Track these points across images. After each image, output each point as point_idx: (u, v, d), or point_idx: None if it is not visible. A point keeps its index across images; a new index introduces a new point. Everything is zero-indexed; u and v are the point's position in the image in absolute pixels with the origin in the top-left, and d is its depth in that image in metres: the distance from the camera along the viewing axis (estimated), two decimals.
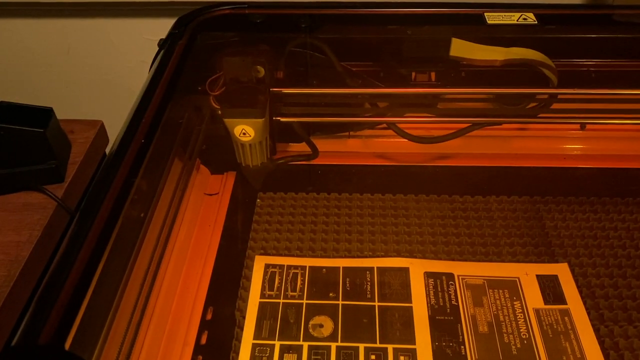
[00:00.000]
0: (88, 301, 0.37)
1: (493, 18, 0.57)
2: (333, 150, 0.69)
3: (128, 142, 0.44)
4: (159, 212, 0.49)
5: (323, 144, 0.70)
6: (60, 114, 0.69)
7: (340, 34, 0.59)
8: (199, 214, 0.62)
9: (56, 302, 0.32)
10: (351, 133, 0.69)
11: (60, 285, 0.34)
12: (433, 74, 0.64)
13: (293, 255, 0.57)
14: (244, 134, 0.56)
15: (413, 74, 0.65)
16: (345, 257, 0.57)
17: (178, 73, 0.50)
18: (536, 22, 0.56)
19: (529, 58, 0.60)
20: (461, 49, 0.60)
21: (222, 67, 0.56)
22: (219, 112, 0.56)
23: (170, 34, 0.55)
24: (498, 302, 0.52)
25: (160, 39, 0.55)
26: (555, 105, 0.61)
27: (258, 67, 0.56)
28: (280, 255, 0.57)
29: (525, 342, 0.49)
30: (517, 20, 0.56)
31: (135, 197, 0.46)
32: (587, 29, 0.59)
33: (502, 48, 0.60)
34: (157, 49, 0.56)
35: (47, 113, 0.65)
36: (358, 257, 0.57)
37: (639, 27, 0.60)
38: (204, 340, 0.51)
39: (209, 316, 0.53)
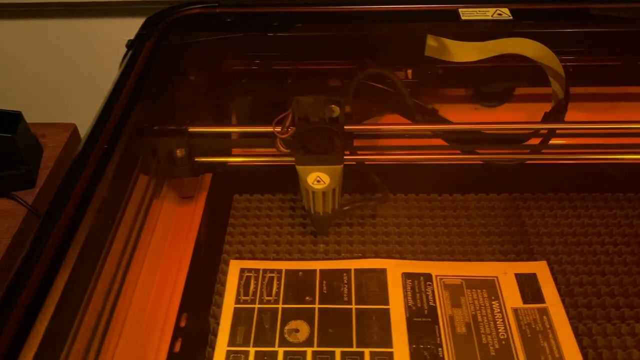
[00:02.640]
0: (51, 312, 0.36)
1: (467, 14, 0.56)
2: None
3: (92, 146, 0.43)
4: (127, 216, 0.48)
5: None
6: (32, 118, 0.67)
7: (313, 32, 0.58)
8: (173, 217, 0.61)
9: (10, 317, 0.31)
10: None
11: (15, 299, 0.32)
12: (410, 72, 0.64)
13: (269, 259, 0.56)
14: (318, 181, 0.51)
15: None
16: (323, 259, 0.56)
17: (145, 75, 0.48)
18: (511, 18, 0.55)
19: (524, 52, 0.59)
20: (456, 48, 0.59)
21: (290, 105, 0.51)
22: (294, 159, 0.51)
23: (139, 35, 0.53)
24: (476, 302, 0.51)
25: (129, 40, 0.54)
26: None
27: (333, 106, 0.50)
28: (256, 259, 0.56)
29: (503, 342, 0.48)
30: (491, 16, 0.56)
31: (103, 202, 0.45)
32: (563, 23, 0.58)
33: (492, 42, 0.59)
34: None
35: (15, 117, 0.64)
36: (335, 258, 0.56)
37: (616, 21, 0.59)
38: (177, 348, 0.50)
39: (183, 323, 0.52)
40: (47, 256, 0.37)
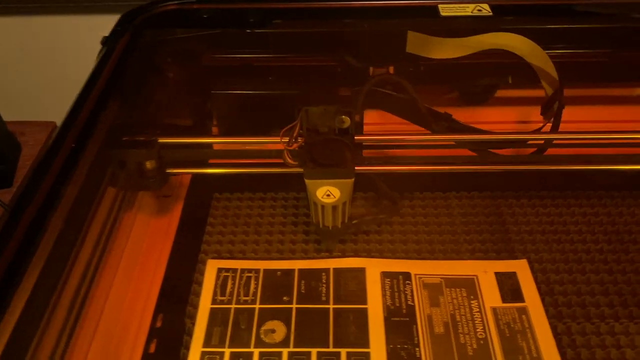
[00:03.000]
0: (19, 313, 0.36)
1: (447, 10, 0.56)
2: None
3: (61, 141, 0.42)
4: (99, 216, 0.47)
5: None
6: (11, 116, 0.66)
7: (292, 28, 0.58)
8: (152, 216, 0.60)
9: None
10: None
11: None
12: (391, 69, 0.63)
13: (248, 258, 0.55)
14: (328, 195, 0.49)
15: (371, 69, 0.63)
16: (302, 258, 0.55)
17: (118, 73, 0.48)
18: (491, 14, 0.55)
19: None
20: (437, 45, 0.58)
21: (297, 116, 0.49)
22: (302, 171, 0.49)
23: (113, 32, 0.52)
24: (455, 301, 0.51)
25: (104, 37, 0.53)
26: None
27: (343, 116, 0.49)
28: (235, 258, 0.55)
29: (481, 342, 0.48)
30: (471, 12, 0.55)
31: (75, 201, 0.44)
32: (544, 19, 0.58)
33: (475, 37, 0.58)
34: None
35: None
36: (314, 258, 0.55)
37: (598, 17, 0.59)
38: (152, 349, 0.49)
39: (159, 323, 0.51)
40: (12, 252, 0.36)
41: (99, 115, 0.44)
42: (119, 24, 0.53)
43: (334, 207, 0.51)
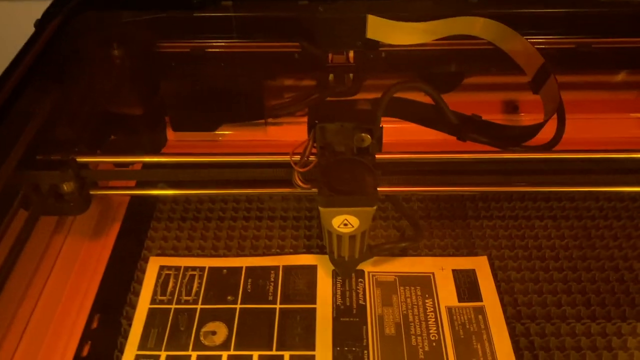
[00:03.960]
0: None
1: None
2: (249, 140, 0.65)
3: None
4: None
5: (239, 134, 0.66)
6: None
7: (248, 11, 0.54)
8: (95, 212, 0.57)
9: None
10: (268, 120, 0.64)
11: None
12: (351, 54, 0.60)
13: (193, 256, 0.52)
14: (346, 225, 0.42)
15: (330, 55, 0.60)
16: (251, 255, 0.52)
17: (44, 55, 0.44)
18: None
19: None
20: (399, 30, 0.54)
21: (309, 131, 0.43)
22: (316, 198, 0.41)
23: (46, 13, 0.49)
24: (409, 300, 0.48)
25: (37, 20, 0.49)
26: None
27: (363, 134, 0.42)
28: (179, 256, 0.52)
29: (434, 344, 0.45)
30: None
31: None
32: (521, 3, 0.55)
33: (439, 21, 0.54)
34: None
35: None
36: (264, 254, 0.52)
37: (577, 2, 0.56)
38: (85, 352, 0.46)
39: (94, 325, 0.48)
40: None
41: (17, 98, 0.40)
42: (52, 5, 0.49)
43: (352, 237, 0.44)
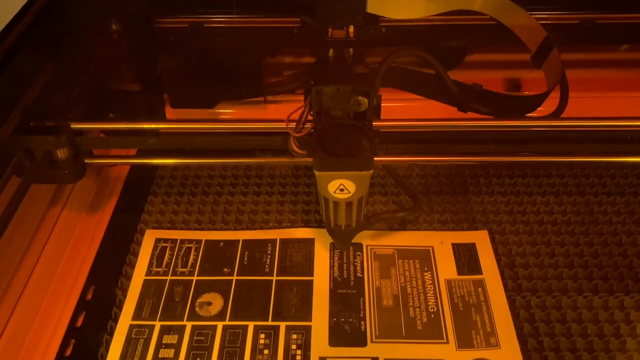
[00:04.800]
0: None
1: None
2: (248, 118, 0.64)
3: None
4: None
5: (237, 112, 0.65)
6: None
7: None
8: (93, 185, 0.56)
9: None
10: (267, 98, 0.64)
11: None
12: (351, 30, 0.59)
13: (190, 229, 0.52)
14: (342, 190, 0.41)
15: (330, 30, 0.60)
16: (248, 229, 0.52)
17: (39, 22, 0.44)
18: None
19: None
20: (400, 3, 0.53)
21: (306, 97, 0.42)
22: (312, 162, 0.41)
23: None
24: (407, 273, 0.47)
25: None
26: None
27: (360, 98, 0.41)
28: (176, 228, 0.52)
29: (432, 315, 0.44)
30: None
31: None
32: None
33: None
34: None
35: None
36: (262, 228, 0.52)
37: None
38: (79, 322, 0.46)
39: (89, 296, 0.47)
40: None
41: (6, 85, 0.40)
42: None
43: (348, 204, 0.43)
